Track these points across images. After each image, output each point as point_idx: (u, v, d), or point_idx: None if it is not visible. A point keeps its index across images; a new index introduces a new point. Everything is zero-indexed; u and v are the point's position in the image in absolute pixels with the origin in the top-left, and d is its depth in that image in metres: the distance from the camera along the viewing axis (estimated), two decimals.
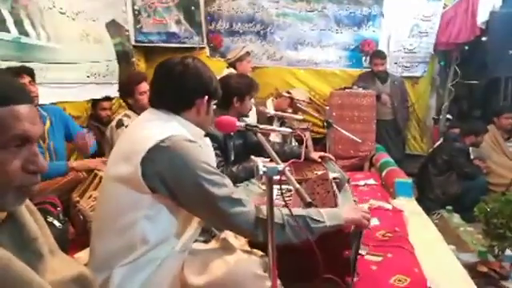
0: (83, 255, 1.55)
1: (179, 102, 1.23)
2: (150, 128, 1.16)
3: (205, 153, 1.23)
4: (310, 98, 4.10)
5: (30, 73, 2.07)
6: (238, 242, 1.33)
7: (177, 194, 1.09)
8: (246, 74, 2.72)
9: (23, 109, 0.68)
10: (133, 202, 1.10)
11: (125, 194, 1.11)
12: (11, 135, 0.66)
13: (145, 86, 2.31)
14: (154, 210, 1.12)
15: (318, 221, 1.17)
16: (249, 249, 1.30)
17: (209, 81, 1.27)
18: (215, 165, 1.34)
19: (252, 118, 2.77)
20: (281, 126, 3.17)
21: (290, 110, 3.45)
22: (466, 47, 4.10)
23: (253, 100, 2.30)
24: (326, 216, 1.19)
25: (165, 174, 1.07)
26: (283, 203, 1.15)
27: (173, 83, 1.22)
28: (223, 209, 1.08)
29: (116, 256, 1.12)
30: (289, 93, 3.42)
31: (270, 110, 3.19)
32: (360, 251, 1.61)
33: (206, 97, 1.25)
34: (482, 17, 3.75)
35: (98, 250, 1.16)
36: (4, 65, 2.15)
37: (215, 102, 1.33)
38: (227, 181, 1.13)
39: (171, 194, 1.09)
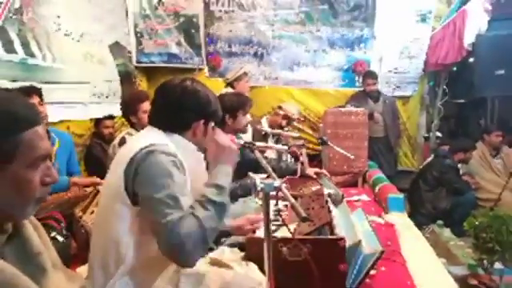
0: (85, 270, 1.59)
1: (176, 124, 1.25)
2: (139, 140, 1.19)
3: (193, 170, 1.24)
4: (305, 117, 4.21)
5: (39, 93, 2.15)
6: (234, 255, 1.37)
7: (137, 200, 1.10)
8: (242, 93, 2.79)
9: (41, 129, 0.73)
10: (117, 214, 1.11)
11: (112, 205, 1.12)
12: (39, 155, 0.71)
13: (148, 105, 2.38)
14: (135, 225, 1.12)
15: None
16: (244, 263, 1.34)
17: (206, 104, 1.27)
18: (201, 181, 1.33)
19: (247, 136, 2.84)
20: (276, 142, 3.25)
21: (284, 124, 3.46)
22: (454, 68, 4.22)
23: (249, 117, 2.36)
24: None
25: (133, 180, 1.09)
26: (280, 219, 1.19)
27: (170, 105, 1.24)
28: (159, 230, 1.03)
29: (107, 271, 1.13)
30: (280, 108, 3.43)
31: (266, 127, 3.25)
32: None
33: (203, 120, 1.27)
34: (468, 39, 3.84)
35: (93, 264, 1.17)
36: (12, 85, 2.23)
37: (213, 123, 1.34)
38: (178, 205, 1.06)
39: (133, 199, 1.10)
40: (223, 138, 1.23)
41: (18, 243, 0.74)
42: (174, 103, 1.24)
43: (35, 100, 2.08)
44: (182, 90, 1.25)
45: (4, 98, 0.71)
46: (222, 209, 1.10)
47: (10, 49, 2.34)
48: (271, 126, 3.30)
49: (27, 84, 2.27)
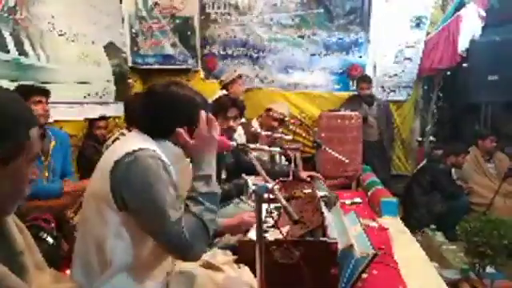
0: None
1: (158, 130, 1.21)
2: (124, 144, 1.17)
3: (180, 173, 1.22)
4: (300, 120, 4.21)
5: (46, 93, 2.21)
6: (226, 258, 1.36)
7: (128, 206, 1.08)
8: (225, 97, 2.71)
9: (37, 129, 0.77)
10: (102, 217, 1.09)
11: (96, 209, 1.10)
12: (36, 152, 0.76)
13: None
14: (121, 229, 1.10)
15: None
16: (236, 265, 1.33)
17: (189, 112, 1.21)
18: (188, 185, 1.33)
19: (241, 138, 2.83)
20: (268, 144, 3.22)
21: (276, 125, 3.40)
22: (448, 73, 4.26)
23: (243, 119, 2.33)
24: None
25: (121, 186, 1.07)
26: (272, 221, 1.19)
27: (153, 112, 1.21)
28: (162, 226, 1.06)
29: (90, 273, 1.11)
30: (269, 109, 3.34)
31: (258, 129, 3.22)
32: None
33: (185, 126, 1.21)
34: (462, 44, 3.89)
35: (75, 264, 1.15)
36: (5, 84, 2.22)
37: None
38: (176, 205, 1.09)
39: (124, 205, 1.08)
40: (203, 128, 1.18)
41: (1, 242, 0.74)
42: (156, 110, 1.21)
43: (43, 99, 2.15)
44: (164, 96, 1.22)
45: (13, 95, 0.75)
46: (213, 197, 1.14)
47: (3, 48, 2.33)
48: (262, 128, 3.27)
49: (20, 83, 2.27)
